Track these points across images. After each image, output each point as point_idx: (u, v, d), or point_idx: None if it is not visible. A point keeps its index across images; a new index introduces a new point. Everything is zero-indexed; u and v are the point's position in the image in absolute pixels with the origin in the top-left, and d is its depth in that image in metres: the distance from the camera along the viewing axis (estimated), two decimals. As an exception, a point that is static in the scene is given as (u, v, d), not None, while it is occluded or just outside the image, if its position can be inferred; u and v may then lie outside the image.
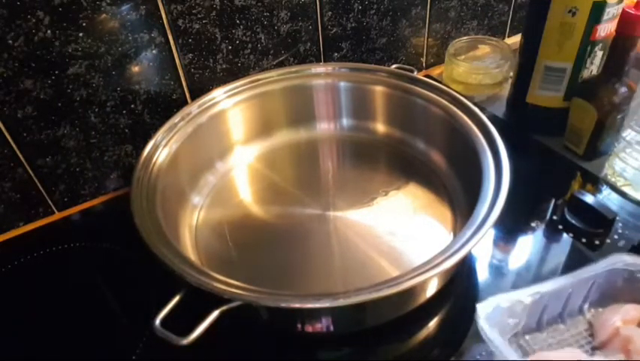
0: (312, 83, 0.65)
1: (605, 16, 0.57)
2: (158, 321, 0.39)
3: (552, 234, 0.54)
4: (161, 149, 0.54)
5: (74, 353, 0.47)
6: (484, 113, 0.55)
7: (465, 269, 0.51)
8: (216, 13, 0.59)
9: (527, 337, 0.44)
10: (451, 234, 0.53)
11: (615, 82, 0.58)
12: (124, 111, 0.59)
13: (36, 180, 0.58)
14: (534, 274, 0.50)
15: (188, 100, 0.63)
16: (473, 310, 0.40)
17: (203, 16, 0.58)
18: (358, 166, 0.65)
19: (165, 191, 0.51)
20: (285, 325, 0.47)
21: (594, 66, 0.62)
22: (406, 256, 0.52)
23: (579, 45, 0.59)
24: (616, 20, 0.56)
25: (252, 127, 0.65)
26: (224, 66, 0.63)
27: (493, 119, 0.60)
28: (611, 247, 0.51)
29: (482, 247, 0.53)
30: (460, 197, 0.56)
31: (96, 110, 0.57)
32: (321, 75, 0.65)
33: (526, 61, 0.65)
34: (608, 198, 0.57)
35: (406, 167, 0.62)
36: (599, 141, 0.61)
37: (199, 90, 0.62)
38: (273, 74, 0.64)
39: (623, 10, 0.54)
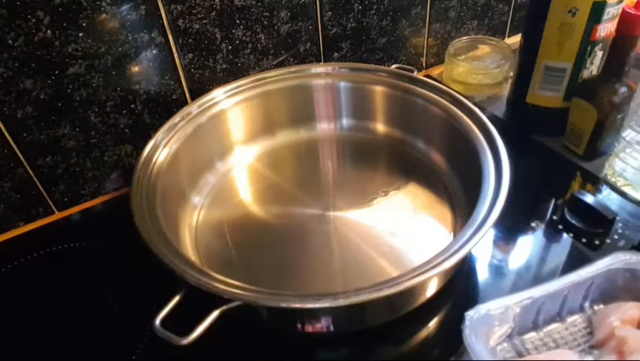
0: (312, 83, 0.65)
1: (605, 16, 0.57)
2: (158, 321, 0.39)
3: (552, 234, 0.54)
4: (161, 149, 0.54)
5: (74, 353, 0.47)
6: (484, 113, 0.55)
7: (465, 269, 0.51)
8: (216, 13, 0.59)
9: (522, 337, 0.44)
10: (451, 234, 0.53)
11: (615, 82, 0.58)
12: (124, 111, 0.59)
13: (36, 180, 0.58)
14: (534, 274, 0.50)
15: (188, 100, 0.63)
16: (473, 310, 0.40)
17: (203, 16, 0.58)
18: (358, 166, 0.65)
19: (165, 191, 0.51)
20: (285, 325, 0.47)
21: (594, 66, 0.62)
22: (406, 256, 0.52)
23: (579, 45, 0.59)
24: (616, 20, 0.56)
25: (252, 127, 0.65)
26: (224, 66, 0.63)
27: (493, 119, 0.60)
28: (611, 247, 0.51)
29: (482, 247, 0.53)
30: (460, 197, 0.56)
31: (96, 110, 0.57)
32: (321, 75, 0.65)
33: (526, 61, 0.65)
34: (608, 198, 0.57)
35: (406, 167, 0.62)
36: (599, 141, 0.61)
37: (199, 90, 0.62)
38: (273, 74, 0.64)
39: (623, 10, 0.54)
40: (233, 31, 0.62)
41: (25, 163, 0.56)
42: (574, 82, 0.62)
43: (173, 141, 0.55)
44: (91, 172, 0.61)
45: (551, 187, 0.61)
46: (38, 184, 0.58)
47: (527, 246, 0.54)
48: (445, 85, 0.61)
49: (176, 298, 0.40)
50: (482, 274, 0.51)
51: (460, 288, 0.50)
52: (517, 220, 0.56)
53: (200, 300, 0.39)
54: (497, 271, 0.51)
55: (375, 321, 0.45)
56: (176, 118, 0.57)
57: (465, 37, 0.79)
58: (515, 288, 0.47)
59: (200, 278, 0.40)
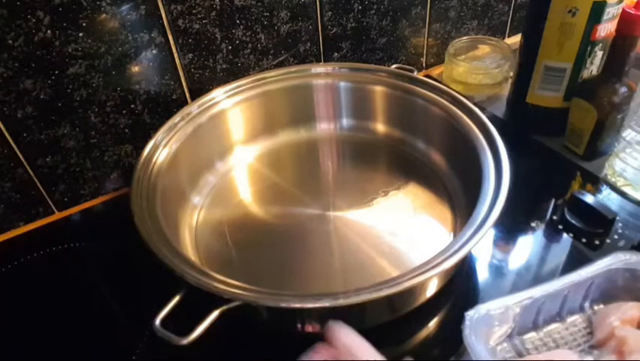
0: (312, 83, 0.65)
1: (605, 16, 0.57)
2: (158, 321, 0.39)
3: (552, 234, 0.54)
4: (161, 149, 0.54)
5: (74, 353, 0.47)
6: (484, 113, 0.55)
7: (465, 269, 0.51)
8: (216, 13, 0.59)
9: (522, 337, 0.44)
10: (451, 234, 0.53)
11: (615, 82, 0.58)
12: (124, 111, 0.59)
13: (36, 180, 0.58)
14: (534, 274, 0.50)
15: (188, 100, 0.63)
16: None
17: (203, 16, 0.58)
18: (358, 166, 0.65)
19: (165, 191, 0.51)
20: (285, 325, 0.47)
21: (594, 66, 0.62)
22: (406, 256, 0.52)
23: (579, 45, 0.59)
24: (616, 20, 0.56)
25: (252, 127, 0.65)
26: (224, 66, 0.63)
27: (493, 119, 0.60)
28: (611, 247, 0.51)
29: (482, 247, 0.53)
30: (460, 197, 0.56)
31: (96, 110, 0.57)
32: (321, 75, 0.65)
33: (526, 61, 0.65)
34: (608, 198, 0.57)
35: (406, 167, 0.62)
36: (599, 141, 0.61)
37: (199, 90, 0.62)
38: (273, 74, 0.64)
39: (623, 10, 0.54)
40: (233, 31, 0.62)
41: (25, 163, 0.56)
42: (574, 82, 0.62)
43: (173, 141, 0.55)
44: (91, 172, 0.61)
45: (551, 187, 0.61)
46: (38, 184, 0.58)
47: (527, 246, 0.54)
48: (445, 85, 0.61)
49: (176, 298, 0.40)
50: (482, 274, 0.51)
51: (460, 288, 0.50)
52: (517, 220, 0.56)
53: (200, 300, 0.39)
54: (497, 271, 0.51)
55: (375, 321, 0.45)
56: (176, 118, 0.57)
57: (465, 37, 0.79)
58: (515, 288, 0.47)
59: (200, 278, 0.40)
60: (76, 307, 0.51)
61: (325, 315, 0.44)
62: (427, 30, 0.78)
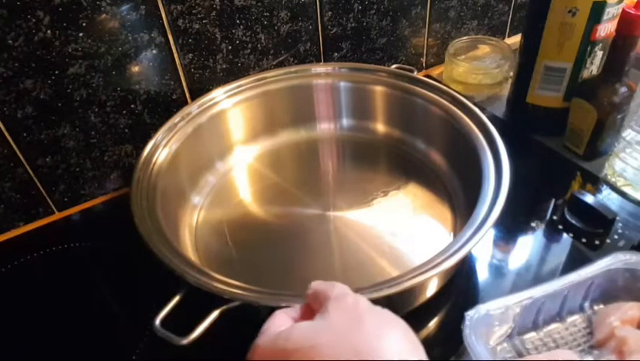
0: (312, 83, 0.65)
1: (605, 16, 0.57)
2: (158, 321, 0.39)
3: (552, 234, 0.54)
4: (161, 149, 0.54)
5: (74, 353, 0.47)
6: (484, 113, 0.55)
7: (465, 269, 0.51)
8: (216, 13, 0.59)
9: (522, 337, 0.44)
10: (451, 234, 0.53)
11: (615, 82, 0.58)
12: (124, 111, 0.59)
13: (36, 180, 0.58)
14: (534, 274, 0.50)
15: (188, 100, 0.63)
16: (473, 310, 0.40)
17: (203, 16, 0.58)
18: (358, 166, 0.65)
19: (165, 191, 0.51)
20: (285, 325, 0.47)
21: (594, 66, 0.62)
22: (406, 256, 0.52)
23: (579, 45, 0.59)
24: (616, 20, 0.56)
25: (252, 127, 0.65)
26: (224, 66, 0.63)
27: (493, 119, 0.60)
28: (611, 247, 0.51)
29: (482, 247, 0.53)
30: (460, 197, 0.56)
31: (96, 110, 0.57)
32: (321, 75, 0.65)
33: (526, 61, 0.65)
34: (608, 198, 0.57)
35: (406, 167, 0.62)
36: (599, 141, 0.61)
37: (199, 90, 0.62)
38: (273, 74, 0.64)
39: (623, 10, 0.54)
40: (233, 31, 0.62)
41: (25, 163, 0.56)
42: (574, 82, 0.62)
43: (173, 141, 0.55)
44: (91, 172, 0.61)
45: (551, 187, 0.61)
46: (38, 184, 0.58)
47: (527, 246, 0.54)
48: (445, 85, 0.61)
49: (176, 298, 0.40)
50: (482, 274, 0.51)
51: (460, 288, 0.50)
52: (517, 220, 0.56)
53: (200, 300, 0.39)
54: (497, 271, 0.51)
55: (375, 321, 0.45)
56: (176, 118, 0.57)
57: (465, 37, 0.79)
58: (515, 288, 0.47)
59: (200, 278, 0.40)
60: (77, 307, 0.51)
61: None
62: (427, 30, 0.78)
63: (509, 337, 0.43)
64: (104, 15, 0.52)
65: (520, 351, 0.43)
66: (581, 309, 0.45)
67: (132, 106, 0.60)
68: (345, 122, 0.68)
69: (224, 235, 0.56)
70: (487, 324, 0.41)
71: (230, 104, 0.61)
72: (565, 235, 0.54)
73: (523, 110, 0.68)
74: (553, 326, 0.44)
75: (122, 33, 0.54)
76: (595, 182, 0.60)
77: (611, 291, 0.44)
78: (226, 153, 0.64)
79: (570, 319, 0.45)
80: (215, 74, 0.63)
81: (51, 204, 0.61)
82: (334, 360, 0.26)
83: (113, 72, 0.56)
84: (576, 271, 0.43)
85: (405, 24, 0.75)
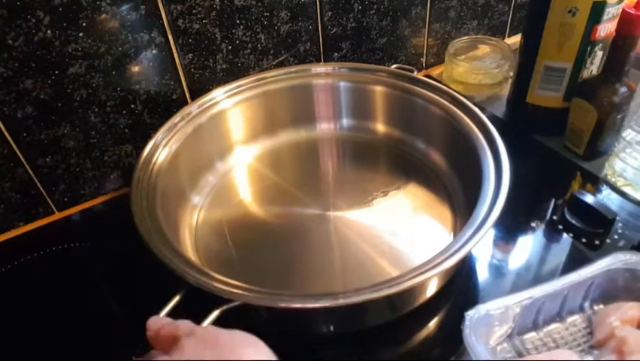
0: (312, 83, 0.65)
1: (605, 16, 0.57)
2: (158, 321, 0.39)
3: (552, 234, 0.54)
4: (161, 149, 0.54)
5: (74, 353, 0.47)
6: (484, 113, 0.55)
7: (465, 269, 0.51)
8: (216, 13, 0.59)
9: (522, 337, 0.44)
10: (451, 234, 0.53)
11: (615, 82, 0.58)
12: (124, 111, 0.59)
13: (36, 180, 0.58)
14: (534, 274, 0.50)
15: (188, 100, 0.63)
16: (473, 310, 0.40)
17: (203, 16, 0.58)
18: (358, 166, 0.65)
19: (165, 191, 0.51)
20: (285, 325, 0.47)
21: (594, 66, 0.62)
22: (406, 256, 0.52)
23: (579, 45, 0.59)
24: (616, 20, 0.56)
25: (252, 127, 0.65)
26: (224, 66, 0.63)
27: (493, 119, 0.60)
28: (611, 247, 0.51)
29: (482, 247, 0.53)
30: (460, 197, 0.56)
31: (96, 110, 0.57)
32: (321, 75, 0.65)
33: (526, 61, 0.65)
34: (608, 198, 0.57)
35: (406, 167, 0.62)
36: (599, 141, 0.61)
37: (199, 90, 0.62)
38: (273, 74, 0.64)
39: (623, 10, 0.54)
40: (233, 31, 0.62)
41: (25, 163, 0.56)
42: (574, 82, 0.62)
43: (173, 141, 0.55)
44: (91, 172, 0.61)
45: (551, 187, 0.61)
46: (38, 184, 0.58)
47: (527, 246, 0.54)
48: (445, 85, 0.61)
49: (176, 298, 0.40)
50: (482, 274, 0.51)
51: (460, 288, 0.50)
52: (517, 220, 0.56)
53: (200, 300, 0.39)
54: (497, 271, 0.51)
55: (375, 321, 0.45)
56: (176, 118, 0.57)
57: (465, 37, 0.79)
58: (515, 288, 0.47)
59: (200, 278, 0.40)
60: (77, 307, 0.51)
61: (325, 315, 0.44)
62: (427, 30, 0.78)
63: (509, 337, 0.43)
64: (104, 15, 0.52)
65: (520, 351, 0.43)
66: (581, 309, 0.45)
67: (132, 106, 0.60)
68: (345, 122, 0.68)
69: (224, 235, 0.56)
70: (487, 324, 0.41)
71: (230, 104, 0.61)
72: (565, 235, 0.54)
73: (523, 110, 0.68)
74: (554, 326, 0.44)
75: (122, 33, 0.54)
76: (595, 182, 0.60)
77: (611, 291, 0.44)
78: (226, 153, 0.64)
79: (570, 319, 0.45)
80: (215, 74, 0.63)
81: (51, 204, 0.61)
82: None
83: (113, 72, 0.56)
84: (576, 271, 0.43)
85: (405, 24, 0.75)
